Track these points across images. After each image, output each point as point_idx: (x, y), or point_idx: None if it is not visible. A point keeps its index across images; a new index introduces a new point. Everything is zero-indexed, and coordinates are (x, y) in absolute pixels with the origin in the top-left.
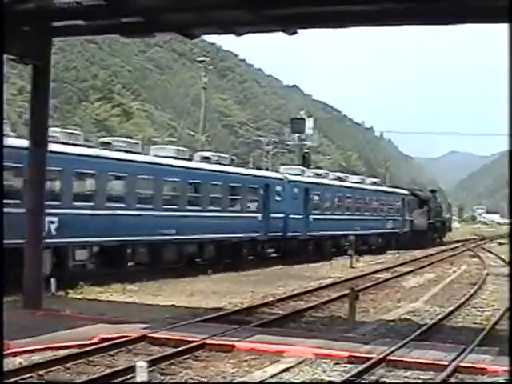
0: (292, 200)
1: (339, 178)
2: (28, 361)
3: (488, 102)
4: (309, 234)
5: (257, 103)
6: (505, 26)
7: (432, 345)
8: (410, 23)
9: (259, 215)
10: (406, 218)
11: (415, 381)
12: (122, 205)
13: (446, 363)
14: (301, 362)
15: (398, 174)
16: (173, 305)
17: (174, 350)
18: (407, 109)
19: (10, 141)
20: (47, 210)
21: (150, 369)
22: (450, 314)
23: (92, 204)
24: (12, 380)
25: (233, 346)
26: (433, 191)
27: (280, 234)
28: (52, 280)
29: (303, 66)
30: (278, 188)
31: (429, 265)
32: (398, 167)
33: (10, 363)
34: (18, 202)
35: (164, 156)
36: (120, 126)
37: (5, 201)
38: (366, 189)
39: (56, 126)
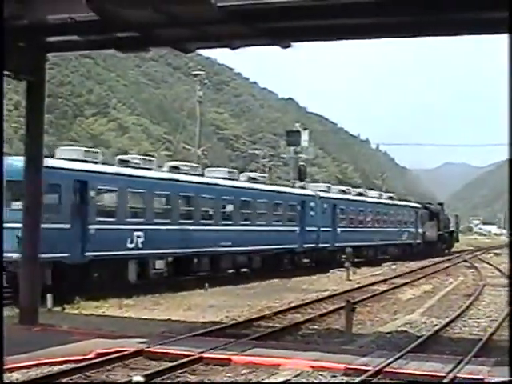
0: (322, 214)
1: (360, 194)
2: (25, 376)
3: (484, 113)
4: (336, 244)
5: (252, 116)
6: (502, 37)
7: (429, 356)
8: (406, 36)
9: (297, 228)
10: (419, 230)
11: None
12: (190, 221)
13: (443, 374)
14: (298, 375)
15: (393, 186)
16: (169, 319)
17: (171, 364)
18: (403, 121)
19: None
20: (136, 226)
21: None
22: (447, 325)
23: (168, 221)
24: None
25: (229, 360)
26: (440, 204)
27: (313, 245)
28: (48, 295)
29: (298, 79)
30: (312, 204)
31: (425, 276)
32: (394, 179)
33: (7, 379)
34: (113, 219)
35: (217, 177)
36: (116, 141)
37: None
38: (383, 203)
39: (51, 141)
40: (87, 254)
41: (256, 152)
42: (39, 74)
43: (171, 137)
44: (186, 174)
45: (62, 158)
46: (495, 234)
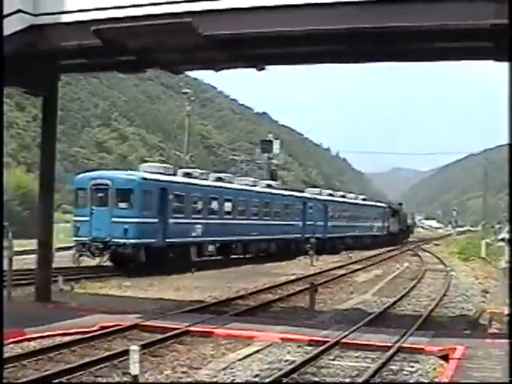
0: (317, 212)
1: (342, 196)
2: (40, 345)
3: (426, 123)
4: (327, 235)
5: (232, 128)
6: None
7: (379, 329)
8: (379, 61)
9: (300, 223)
10: (385, 224)
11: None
12: (230, 216)
13: (390, 345)
14: (269, 345)
15: (350, 187)
16: (161, 298)
17: (162, 336)
18: (360, 131)
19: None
20: (197, 220)
21: (142, 352)
22: (394, 303)
23: (217, 216)
24: (26, 361)
25: (212, 333)
26: (400, 204)
27: (311, 235)
28: (59, 277)
29: (272, 97)
30: (310, 204)
31: (376, 263)
32: (351, 181)
33: (26, 347)
34: (182, 215)
35: (246, 184)
36: (117, 148)
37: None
38: (360, 203)
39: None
40: (167, 240)
41: (235, 158)
42: (53, 91)
43: (164, 145)
44: (228, 182)
45: (147, 171)
46: (435, 228)
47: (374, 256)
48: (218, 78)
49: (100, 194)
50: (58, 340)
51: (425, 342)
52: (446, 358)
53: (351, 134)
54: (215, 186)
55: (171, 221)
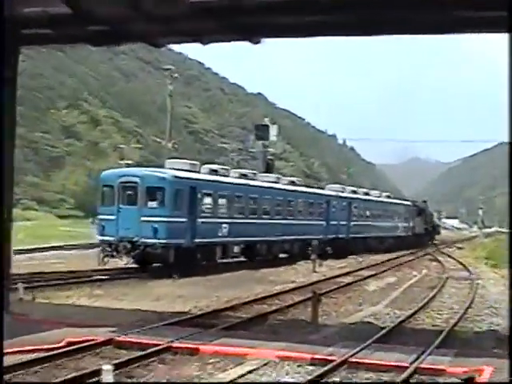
0: (341, 211)
1: (366, 194)
2: None
3: (454, 108)
4: (350, 235)
5: (221, 111)
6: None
7: (392, 347)
8: (391, 33)
9: (324, 222)
10: (410, 224)
11: (377, 381)
12: (255, 215)
13: (406, 365)
14: (264, 364)
15: (359, 181)
16: (139, 309)
17: (140, 353)
18: (370, 116)
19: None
20: (223, 220)
21: (116, 372)
22: (410, 316)
23: (243, 215)
24: None
25: (197, 349)
26: (425, 201)
27: (334, 235)
28: (20, 285)
29: (268, 75)
30: (334, 202)
31: (390, 269)
32: (360, 174)
33: None
34: (210, 214)
35: (269, 181)
36: (87, 133)
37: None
38: (384, 201)
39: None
40: (195, 240)
41: (225, 146)
42: (11, 66)
43: (142, 130)
44: (252, 179)
45: (173, 168)
46: (458, 228)
47: (387, 261)
48: (206, 52)
49: (129, 192)
50: (18, 359)
51: (446, 361)
52: (471, 381)
53: (360, 119)
54: (241, 184)
55: (199, 220)
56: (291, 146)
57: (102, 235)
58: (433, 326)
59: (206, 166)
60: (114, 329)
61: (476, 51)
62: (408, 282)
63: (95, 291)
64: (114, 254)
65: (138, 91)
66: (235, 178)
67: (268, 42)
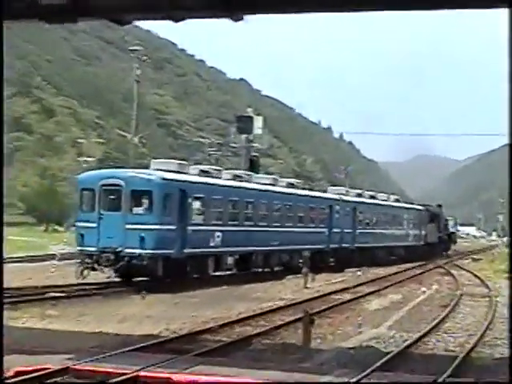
0: (345, 217)
1: (372, 197)
2: None
3: (466, 101)
4: (356, 245)
5: (198, 99)
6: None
7: (398, 375)
8: (389, 9)
9: (326, 230)
10: (422, 232)
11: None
12: (251, 223)
13: None
14: None
15: (359, 181)
16: (101, 331)
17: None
18: (372, 107)
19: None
20: (216, 228)
21: None
22: (419, 340)
23: (237, 223)
24: None
25: (169, 379)
26: (439, 206)
27: (337, 245)
28: None
29: (251, 57)
30: (337, 207)
31: (394, 284)
32: (360, 173)
33: None
34: (202, 222)
35: (265, 183)
36: (40, 126)
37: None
38: (392, 206)
39: None
40: (185, 250)
41: (202, 140)
42: None
43: (104, 122)
44: (246, 181)
45: (160, 169)
46: (474, 237)
47: (391, 275)
48: (179, 31)
49: (111, 197)
50: None
51: None
52: None
53: (360, 110)
54: (235, 187)
55: (190, 228)
56: (279, 140)
57: (81, 245)
58: (445, 350)
59: (196, 166)
60: (70, 355)
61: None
62: (416, 299)
63: (49, 311)
64: (95, 266)
65: (100, 76)
66: (228, 179)
67: (253, 19)
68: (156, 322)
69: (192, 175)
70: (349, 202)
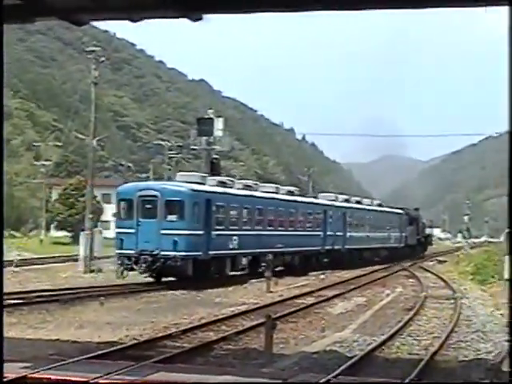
0: (337, 221)
1: (358, 202)
2: None
3: (429, 100)
4: (346, 247)
5: (158, 101)
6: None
7: (362, 380)
8: (381, 7)
9: (321, 233)
10: (403, 234)
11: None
12: (260, 227)
13: None
14: None
15: (322, 183)
16: (58, 339)
17: None
18: (335, 109)
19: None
20: (234, 232)
21: None
22: (383, 343)
23: (250, 227)
24: None
25: None
26: (417, 209)
27: (330, 247)
28: None
29: (211, 58)
30: (330, 212)
31: (358, 287)
32: (323, 174)
33: None
34: (223, 227)
35: (269, 191)
36: None
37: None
38: (377, 210)
39: None
40: (210, 252)
41: (162, 143)
42: None
43: (61, 124)
44: (255, 190)
45: (186, 182)
46: (439, 239)
47: (354, 278)
48: (138, 31)
49: (148, 206)
50: None
51: None
52: None
53: (323, 111)
54: (248, 196)
55: (214, 233)
56: (241, 142)
57: (121, 249)
58: (409, 354)
59: (213, 177)
60: (28, 364)
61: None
62: (380, 302)
63: (6, 319)
64: (134, 266)
65: (57, 78)
66: (240, 189)
67: (212, 19)
68: (116, 329)
69: (212, 186)
70: (339, 207)
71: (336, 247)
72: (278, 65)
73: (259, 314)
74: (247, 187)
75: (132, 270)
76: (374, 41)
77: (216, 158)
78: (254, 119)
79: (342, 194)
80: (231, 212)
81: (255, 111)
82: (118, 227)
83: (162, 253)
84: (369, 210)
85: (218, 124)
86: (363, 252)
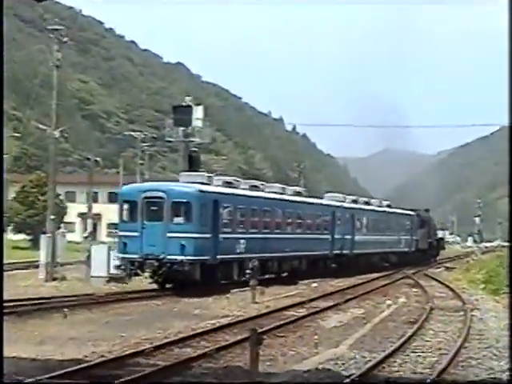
0: (345, 223)
1: (366, 203)
2: None
3: (437, 90)
4: (354, 251)
5: (129, 87)
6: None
7: None
8: None
9: (329, 237)
10: (414, 237)
11: None
12: (268, 230)
13: None
14: None
15: (315, 180)
16: (15, 357)
17: None
18: (331, 99)
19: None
20: (241, 235)
21: None
22: (383, 361)
23: (257, 230)
24: None
25: None
26: (427, 210)
27: (339, 251)
28: None
29: (190, 40)
30: (338, 214)
31: (355, 297)
32: (316, 170)
33: None
34: (230, 230)
35: (275, 191)
36: None
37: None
38: (386, 211)
39: None
40: (218, 256)
41: (134, 134)
42: None
43: (20, 113)
44: (262, 191)
45: (191, 182)
46: (447, 242)
47: (350, 287)
48: (106, 8)
49: (153, 208)
50: None
51: None
52: None
53: (316, 99)
54: (255, 197)
55: (221, 236)
56: (223, 133)
57: (124, 253)
58: (413, 373)
59: (218, 177)
60: None
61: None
62: (380, 314)
63: None
64: (139, 271)
65: (16, 60)
66: (247, 189)
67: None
68: (81, 345)
69: (218, 186)
70: (348, 208)
71: (344, 251)
72: (267, 50)
73: (243, 327)
74: (254, 187)
75: (136, 275)
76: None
77: (195, 151)
78: (237, 107)
79: (339, 192)
80: (238, 214)
81: (239, 98)
82: (120, 230)
83: (169, 257)
84: (378, 211)
85: (197, 113)
86: (372, 257)
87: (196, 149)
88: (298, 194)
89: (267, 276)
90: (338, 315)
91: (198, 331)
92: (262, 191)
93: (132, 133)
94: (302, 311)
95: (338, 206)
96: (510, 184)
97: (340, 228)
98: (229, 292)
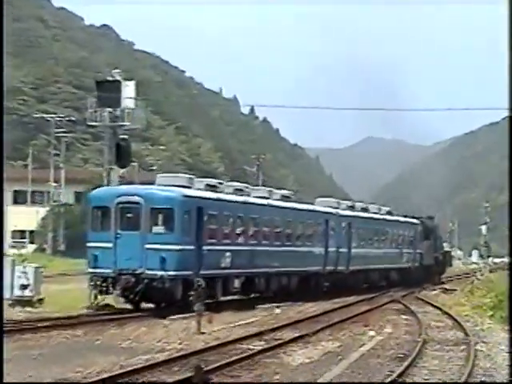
0: (340, 234)
1: (364, 209)
2: None
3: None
4: (350, 268)
5: (41, 56)
6: None
7: None
8: None
9: (322, 250)
10: (417, 251)
11: None
12: (255, 241)
13: None
14: None
15: (278, 176)
16: None
17: None
18: (297, 77)
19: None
20: (226, 247)
21: None
22: None
23: (243, 241)
24: None
25: None
26: (431, 218)
27: (333, 267)
28: None
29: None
30: (332, 223)
31: (328, 327)
32: (280, 164)
33: None
34: (215, 241)
35: (261, 196)
36: None
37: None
38: (387, 220)
39: None
40: (201, 272)
41: (46, 116)
42: None
43: None
44: (247, 195)
45: (170, 185)
46: None
47: (323, 314)
48: None
49: (129, 215)
50: None
51: None
52: None
53: (279, 79)
54: (242, 202)
55: (205, 248)
56: (161, 117)
57: (94, 267)
58: None
59: (200, 179)
60: None
61: None
62: (360, 348)
63: None
64: (111, 289)
65: None
66: (230, 193)
67: None
68: None
69: (201, 190)
70: (344, 216)
71: (339, 268)
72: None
73: (186, 364)
74: (238, 191)
75: (108, 293)
76: None
77: (124, 140)
78: (180, 84)
79: (326, 196)
80: (224, 223)
81: (182, 72)
82: (90, 241)
83: (147, 272)
84: (377, 219)
85: (128, 90)
86: (370, 274)
87: (126, 136)
88: (287, 198)
89: (224, 298)
90: (305, 349)
91: (128, 369)
92: (248, 195)
93: (44, 115)
94: (259, 344)
95: (333, 214)
96: (511, 184)
97: (333, 239)
98: (165, 318)
